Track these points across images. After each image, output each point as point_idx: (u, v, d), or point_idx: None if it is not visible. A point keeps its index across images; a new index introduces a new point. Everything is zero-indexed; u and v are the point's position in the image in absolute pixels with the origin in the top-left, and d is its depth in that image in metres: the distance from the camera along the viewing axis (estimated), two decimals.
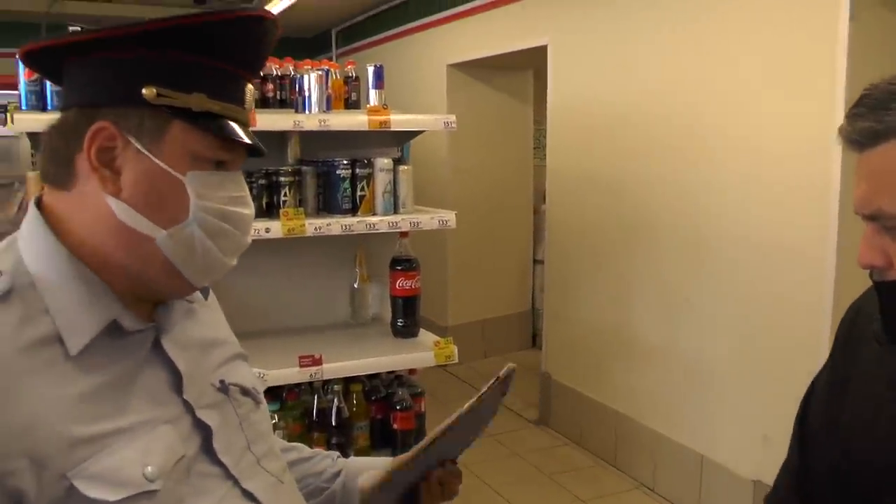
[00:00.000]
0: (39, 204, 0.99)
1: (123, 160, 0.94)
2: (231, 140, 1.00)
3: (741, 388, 3.63)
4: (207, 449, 1.02)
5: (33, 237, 0.96)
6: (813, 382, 1.28)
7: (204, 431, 1.02)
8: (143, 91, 0.93)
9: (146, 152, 0.94)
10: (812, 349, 3.10)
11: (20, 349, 0.87)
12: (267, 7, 6.82)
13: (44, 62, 1.05)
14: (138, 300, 1.01)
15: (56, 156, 0.98)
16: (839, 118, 3.03)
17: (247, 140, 1.01)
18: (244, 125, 1.03)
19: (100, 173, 0.94)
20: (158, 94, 0.93)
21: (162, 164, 0.94)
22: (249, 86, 1.05)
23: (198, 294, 1.14)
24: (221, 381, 1.10)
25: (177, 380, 1.01)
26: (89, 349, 0.92)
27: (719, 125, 3.66)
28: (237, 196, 1.02)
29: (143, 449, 0.92)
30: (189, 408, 1.01)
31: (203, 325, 1.15)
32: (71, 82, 0.99)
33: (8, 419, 0.83)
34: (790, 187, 3.30)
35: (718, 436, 3.80)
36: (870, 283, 1.03)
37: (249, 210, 1.04)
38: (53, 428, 0.86)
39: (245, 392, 1.14)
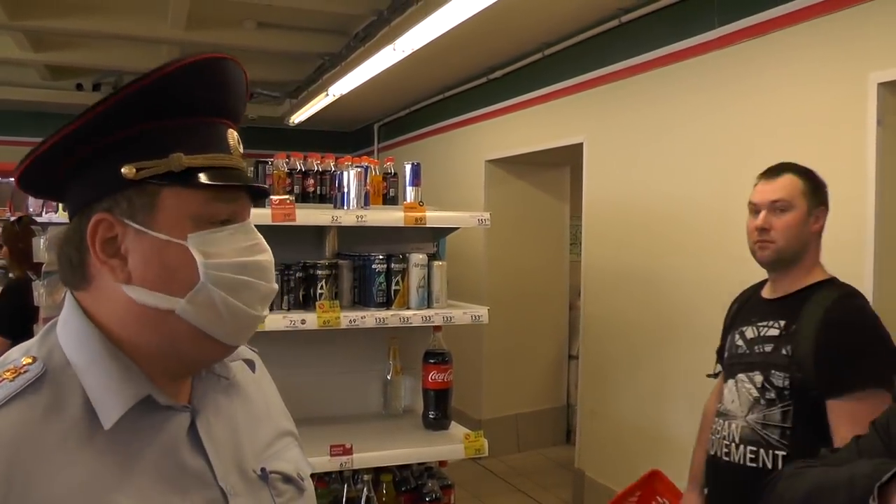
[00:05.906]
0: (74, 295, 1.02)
1: (127, 245, 0.95)
2: (225, 189, 0.98)
3: None
4: None
5: (70, 321, 0.98)
6: None
7: None
8: (123, 171, 0.93)
9: (143, 229, 0.95)
10: None
11: (48, 434, 0.89)
12: (309, 104, 7.07)
13: (41, 185, 1.06)
14: (175, 380, 1.02)
15: (70, 264, 1.00)
16: (869, 218, 3.07)
17: (237, 182, 1.00)
18: (237, 171, 1.01)
19: (108, 265, 0.95)
20: (138, 170, 0.93)
21: (161, 236, 0.95)
22: (232, 131, 1.02)
23: (240, 367, 1.15)
24: (263, 470, 1.08)
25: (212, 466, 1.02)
26: (124, 424, 0.93)
27: None
28: (249, 245, 1.01)
29: None
30: (224, 494, 1.01)
31: (248, 401, 1.14)
32: (69, 196, 1.01)
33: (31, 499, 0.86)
34: None
35: None
36: None
37: (266, 256, 1.03)
38: (83, 499, 0.89)
39: (287, 480, 1.12)
